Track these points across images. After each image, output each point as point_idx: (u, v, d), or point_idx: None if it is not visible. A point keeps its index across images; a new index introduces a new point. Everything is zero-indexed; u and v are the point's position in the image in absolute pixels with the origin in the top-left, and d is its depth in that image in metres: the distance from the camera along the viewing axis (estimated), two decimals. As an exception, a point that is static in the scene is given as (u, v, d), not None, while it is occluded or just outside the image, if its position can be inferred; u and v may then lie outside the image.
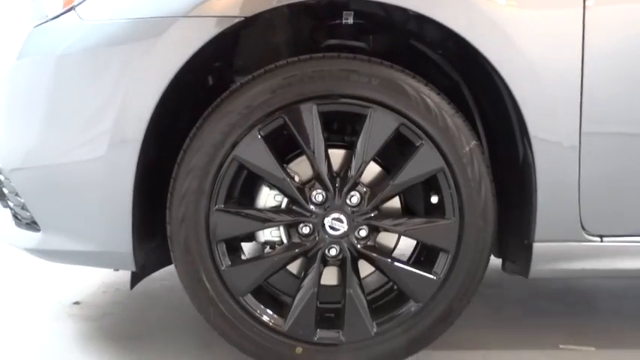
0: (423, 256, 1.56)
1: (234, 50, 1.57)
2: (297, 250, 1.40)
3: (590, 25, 1.32)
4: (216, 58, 1.53)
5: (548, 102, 1.34)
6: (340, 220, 1.38)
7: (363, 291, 1.41)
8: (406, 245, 1.61)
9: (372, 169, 1.44)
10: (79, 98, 1.35)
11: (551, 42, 1.33)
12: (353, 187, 1.38)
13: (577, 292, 2.18)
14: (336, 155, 1.43)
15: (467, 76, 1.55)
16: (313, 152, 1.36)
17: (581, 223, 1.39)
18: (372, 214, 1.40)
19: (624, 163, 1.39)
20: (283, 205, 1.43)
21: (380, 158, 1.46)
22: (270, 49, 1.57)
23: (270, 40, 1.57)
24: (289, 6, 1.34)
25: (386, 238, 1.49)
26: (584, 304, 2.06)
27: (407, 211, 1.52)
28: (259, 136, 1.34)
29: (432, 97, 1.35)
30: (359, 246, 1.40)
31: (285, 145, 1.45)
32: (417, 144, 1.36)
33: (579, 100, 1.33)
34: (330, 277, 1.51)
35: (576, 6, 1.32)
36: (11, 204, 1.52)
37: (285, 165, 1.41)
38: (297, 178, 1.41)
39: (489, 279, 2.28)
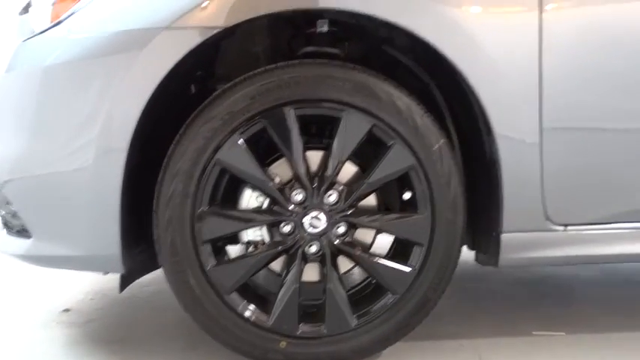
0: (399, 250, 1.63)
1: (215, 60, 1.64)
2: (278, 249, 1.47)
3: (548, 28, 1.41)
4: (198, 67, 1.60)
5: (510, 100, 1.42)
6: (319, 219, 1.45)
7: (342, 285, 1.48)
8: (384, 243, 1.68)
9: (349, 169, 1.51)
10: (67, 109, 1.40)
11: (511, 43, 1.41)
12: (330, 187, 1.45)
13: (550, 282, 2.27)
14: (314, 157, 1.49)
15: (436, 78, 1.64)
16: (292, 154, 1.43)
17: (545, 213, 1.47)
18: (350, 212, 1.47)
19: (584, 157, 1.47)
20: (265, 206, 1.50)
21: (356, 158, 1.53)
22: (250, 58, 1.64)
23: (249, 50, 1.65)
24: (267, 16, 1.41)
25: (364, 235, 1.55)
26: (558, 293, 2.15)
27: (384, 208, 1.59)
28: (240, 141, 1.41)
29: (402, 99, 1.42)
30: (338, 242, 1.47)
31: (266, 148, 1.53)
32: (389, 143, 1.44)
33: (538, 98, 1.42)
34: (311, 274, 1.57)
35: (533, 10, 1.40)
36: (2, 212, 1.57)
37: (266, 167, 1.47)
38: (277, 180, 1.47)
39: (468, 273, 2.37)
